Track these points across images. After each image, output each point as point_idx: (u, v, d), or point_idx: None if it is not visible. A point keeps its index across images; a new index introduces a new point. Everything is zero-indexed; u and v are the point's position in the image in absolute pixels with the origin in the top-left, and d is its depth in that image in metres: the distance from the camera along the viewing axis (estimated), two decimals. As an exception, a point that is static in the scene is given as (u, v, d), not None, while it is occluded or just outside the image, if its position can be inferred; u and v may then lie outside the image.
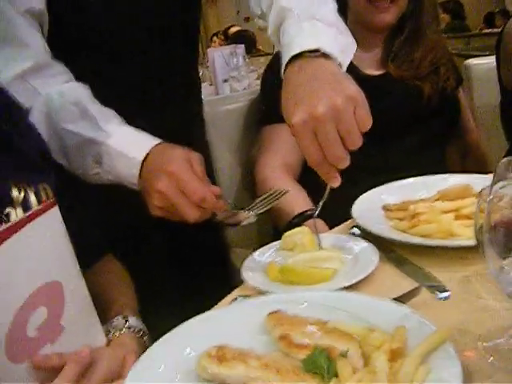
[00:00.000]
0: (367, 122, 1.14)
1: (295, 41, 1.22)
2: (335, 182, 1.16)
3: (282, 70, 1.23)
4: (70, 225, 1.13)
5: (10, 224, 0.99)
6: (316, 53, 1.18)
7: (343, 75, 1.20)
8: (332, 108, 1.08)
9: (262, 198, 1.35)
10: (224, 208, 1.28)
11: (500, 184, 0.67)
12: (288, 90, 1.17)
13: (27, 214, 1.02)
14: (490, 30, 9.09)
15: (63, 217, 1.10)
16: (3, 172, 1.13)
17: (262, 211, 1.31)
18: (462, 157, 2.31)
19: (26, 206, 1.11)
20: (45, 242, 1.05)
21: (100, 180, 1.38)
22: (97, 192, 1.43)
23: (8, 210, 1.09)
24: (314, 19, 1.27)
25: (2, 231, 0.95)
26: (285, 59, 1.22)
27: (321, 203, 1.28)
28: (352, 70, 1.95)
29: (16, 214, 1.09)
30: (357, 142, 1.13)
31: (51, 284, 1.04)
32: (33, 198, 1.13)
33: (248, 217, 1.29)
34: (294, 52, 1.19)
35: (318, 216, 1.63)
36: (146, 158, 1.28)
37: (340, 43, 1.28)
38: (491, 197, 0.69)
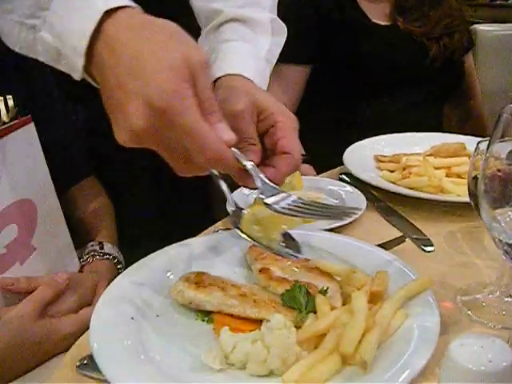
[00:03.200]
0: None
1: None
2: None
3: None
4: (51, 142, 1.11)
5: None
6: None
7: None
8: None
9: None
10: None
11: (499, 136, 0.66)
12: None
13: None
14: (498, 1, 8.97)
15: (44, 133, 1.08)
16: None
17: None
18: (461, 121, 2.30)
19: None
20: (18, 159, 1.02)
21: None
22: (83, 107, 1.38)
23: None
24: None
25: None
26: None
27: None
28: (359, 17, 1.94)
29: None
30: None
31: (24, 202, 1.03)
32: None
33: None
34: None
35: (309, 162, 1.63)
36: (100, 29, 0.74)
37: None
38: (489, 148, 0.68)
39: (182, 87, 0.69)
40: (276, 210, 0.77)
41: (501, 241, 0.66)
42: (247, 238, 0.82)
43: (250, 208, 0.83)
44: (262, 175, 0.78)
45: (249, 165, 0.76)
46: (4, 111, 1.07)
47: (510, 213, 0.66)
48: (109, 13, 0.73)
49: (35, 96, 1.20)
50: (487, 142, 0.73)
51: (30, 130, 1.04)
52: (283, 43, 1.20)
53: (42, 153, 1.06)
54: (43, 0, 0.79)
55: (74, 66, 0.76)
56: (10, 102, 1.09)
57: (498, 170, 0.66)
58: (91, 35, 0.73)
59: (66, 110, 1.36)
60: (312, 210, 0.79)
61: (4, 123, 1.04)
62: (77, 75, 0.77)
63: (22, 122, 1.03)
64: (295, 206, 0.78)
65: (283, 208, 0.77)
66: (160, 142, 0.72)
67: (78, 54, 0.74)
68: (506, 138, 0.68)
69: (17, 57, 1.11)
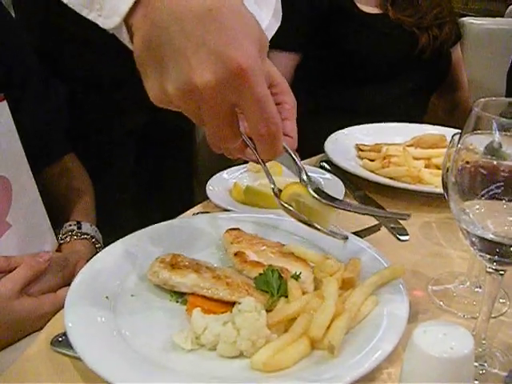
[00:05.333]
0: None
1: None
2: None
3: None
4: (27, 120, 1.10)
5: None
6: None
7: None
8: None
9: None
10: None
11: (470, 129, 0.67)
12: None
13: None
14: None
15: (20, 112, 1.07)
16: None
17: None
18: (447, 113, 2.32)
19: None
20: None
21: None
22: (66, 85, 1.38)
23: None
24: None
25: None
26: None
27: None
28: (349, 5, 1.95)
29: None
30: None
31: None
32: None
33: None
34: None
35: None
36: None
37: None
38: (460, 140, 0.69)
39: (262, 57, 0.66)
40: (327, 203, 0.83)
41: (468, 232, 0.68)
42: (298, 215, 0.83)
43: (285, 191, 0.84)
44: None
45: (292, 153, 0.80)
46: None
47: (477, 205, 0.67)
48: None
49: (12, 74, 1.19)
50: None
51: (3, 108, 1.03)
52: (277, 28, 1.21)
53: (15, 131, 1.06)
54: None
55: (115, 12, 0.69)
56: None
57: (467, 163, 0.68)
58: None
59: (45, 88, 1.34)
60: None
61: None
62: (115, 20, 0.69)
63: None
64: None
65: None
66: (214, 103, 0.65)
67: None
68: (478, 132, 0.69)
69: None
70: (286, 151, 0.80)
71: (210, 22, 0.63)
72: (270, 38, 1.17)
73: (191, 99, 0.65)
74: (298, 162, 0.82)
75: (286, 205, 0.82)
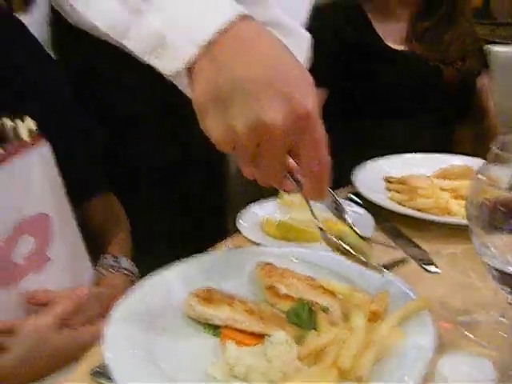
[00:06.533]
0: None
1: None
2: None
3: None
4: (66, 158, 1.15)
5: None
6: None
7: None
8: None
9: None
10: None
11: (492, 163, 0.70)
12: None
13: (15, 147, 1.05)
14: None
15: (59, 149, 1.12)
16: None
17: None
18: (475, 142, 2.31)
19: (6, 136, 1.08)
20: (35, 175, 1.08)
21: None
22: (101, 125, 1.43)
23: None
24: None
25: None
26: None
27: None
28: (375, 40, 1.98)
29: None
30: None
31: (40, 215, 1.08)
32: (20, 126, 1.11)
33: None
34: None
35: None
36: (225, 29, 0.71)
37: None
38: (480, 175, 0.72)
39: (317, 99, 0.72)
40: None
41: (489, 265, 0.70)
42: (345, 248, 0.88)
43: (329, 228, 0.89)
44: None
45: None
46: (24, 131, 1.11)
47: (499, 239, 0.69)
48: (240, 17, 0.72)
49: (52, 113, 1.24)
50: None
51: (46, 149, 1.09)
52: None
53: (56, 169, 1.11)
54: None
55: (180, 57, 0.72)
56: (29, 122, 1.13)
57: (487, 197, 0.70)
58: (217, 30, 0.71)
59: (84, 126, 1.39)
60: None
61: (22, 142, 1.08)
62: (177, 66, 0.73)
63: (38, 140, 1.09)
64: None
65: None
66: (277, 141, 0.70)
67: (193, 44, 0.71)
68: (498, 164, 0.72)
69: (34, 73, 1.17)
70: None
71: (276, 68, 0.70)
72: None
73: (257, 136, 0.69)
74: (339, 202, 0.85)
75: (334, 239, 0.86)
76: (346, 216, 0.87)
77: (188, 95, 0.76)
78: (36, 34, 1.32)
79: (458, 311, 0.99)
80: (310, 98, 0.70)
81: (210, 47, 0.71)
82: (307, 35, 1.29)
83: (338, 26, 1.97)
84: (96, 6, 0.79)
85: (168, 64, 0.74)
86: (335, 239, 0.87)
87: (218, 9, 0.73)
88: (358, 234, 0.87)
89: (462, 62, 2.02)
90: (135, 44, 0.76)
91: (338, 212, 0.88)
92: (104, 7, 0.78)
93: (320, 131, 0.72)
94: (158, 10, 0.74)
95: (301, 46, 1.26)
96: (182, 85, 0.77)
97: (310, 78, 0.73)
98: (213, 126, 0.71)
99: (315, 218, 0.87)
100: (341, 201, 1.05)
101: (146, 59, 0.76)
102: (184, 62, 0.72)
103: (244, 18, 0.73)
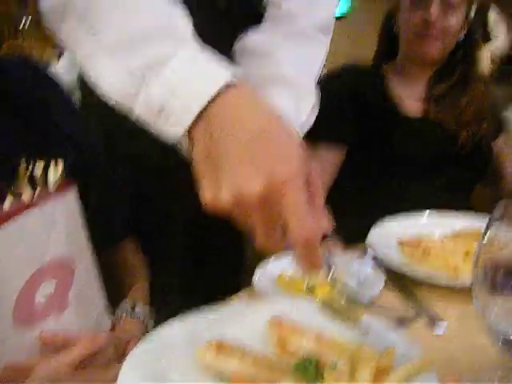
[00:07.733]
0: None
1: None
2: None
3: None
4: (92, 205, 1.20)
5: (23, 202, 1.05)
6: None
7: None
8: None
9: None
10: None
11: (495, 226, 0.72)
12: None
13: (43, 192, 1.09)
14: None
15: (86, 196, 1.17)
16: (17, 142, 1.16)
17: None
18: (493, 202, 2.32)
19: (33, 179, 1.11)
20: (60, 221, 1.11)
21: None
22: (123, 171, 1.48)
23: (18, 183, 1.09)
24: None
25: (15, 209, 1.03)
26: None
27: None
28: (391, 108, 2.03)
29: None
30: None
31: (63, 259, 1.12)
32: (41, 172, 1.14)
33: None
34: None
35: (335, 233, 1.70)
36: (221, 94, 0.77)
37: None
38: (484, 237, 0.74)
39: (301, 167, 0.75)
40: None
41: (490, 327, 0.72)
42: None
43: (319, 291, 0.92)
44: None
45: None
46: (53, 175, 1.15)
47: (498, 303, 0.72)
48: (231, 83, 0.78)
49: (82, 160, 1.27)
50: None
51: (73, 195, 1.14)
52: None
53: (81, 217, 1.16)
54: (166, 54, 0.81)
55: (181, 121, 0.79)
56: (59, 167, 1.17)
57: (488, 260, 0.73)
58: (210, 99, 0.77)
59: (109, 174, 1.43)
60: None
61: (51, 187, 1.13)
62: (178, 131, 0.80)
63: (66, 187, 1.13)
64: None
65: None
66: (260, 211, 0.75)
67: (189, 112, 0.78)
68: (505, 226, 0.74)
69: (68, 122, 1.22)
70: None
71: (263, 140, 0.74)
72: (306, 129, 1.30)
73: (241, 206, 0.75)
74: (331, 264, 0.88)
75: (320, 303, 0.89)
76: (335, 275, 0.88)
77: (190, 159, 0.82)
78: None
79: (463, 371, 1.01)
80: (290, 168, 0.73)
81: (203, 115, 0.77)
82: (313, 89, 1.34)
83: (357, 88, 2.02)
84: (106, 80, 0.87)
85: (169, 130, 0.81)
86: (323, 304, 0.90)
87: (213, 74, 0.79)
88: (348, 297, 0.89)
89: (478, 126, 2.04)
90: (139, 109, 0.83)
91: (328, 271, 0.90)
92: (113, 80, 0.85)
93: (298, 198, 0.73)
94: (163, 78, 0.80)
95: (305, 99, 1.32)
96: (184, 149, 0.84)
97: (297, 147, 0.76)
98: (204, 193, 0.77)
99: (304, 278, 0.90)
100: (355, 256, 1.10)
101: (151, 124, 0.83)
102: (182, 129, 0.79)
103: (235, 84, 0.78)
